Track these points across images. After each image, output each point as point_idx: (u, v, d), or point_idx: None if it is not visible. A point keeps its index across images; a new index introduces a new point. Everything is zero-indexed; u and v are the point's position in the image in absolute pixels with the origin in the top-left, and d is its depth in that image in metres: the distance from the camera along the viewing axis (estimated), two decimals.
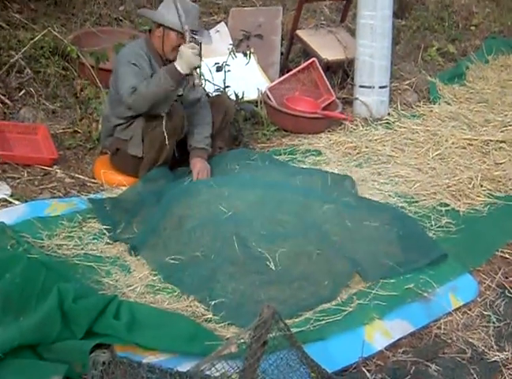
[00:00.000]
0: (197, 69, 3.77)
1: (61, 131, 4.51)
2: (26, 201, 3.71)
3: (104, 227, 3.53)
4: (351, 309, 3.08)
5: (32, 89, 4.78)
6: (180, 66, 3.64)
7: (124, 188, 3.89)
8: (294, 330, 2.73)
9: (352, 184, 4.08)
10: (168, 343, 2.72)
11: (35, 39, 4.97)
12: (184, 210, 3.54)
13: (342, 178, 4.12)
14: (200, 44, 4.45)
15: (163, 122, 3.75)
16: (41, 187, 3.92)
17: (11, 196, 3.75)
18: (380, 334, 2.99)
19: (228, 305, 3.03)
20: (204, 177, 3.88)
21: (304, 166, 4.36)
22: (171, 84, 3.64)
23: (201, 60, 3.78)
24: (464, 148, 4.78)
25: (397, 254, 3.50)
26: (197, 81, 3.71)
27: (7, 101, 4.59)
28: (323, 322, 2.98)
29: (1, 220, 3.38)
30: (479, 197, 4.19)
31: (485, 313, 3.27)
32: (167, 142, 3.78)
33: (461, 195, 4.18)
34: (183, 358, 2.70)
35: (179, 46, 3.77)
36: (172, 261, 3.28)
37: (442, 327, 3.15)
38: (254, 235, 3.38)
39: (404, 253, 3.52)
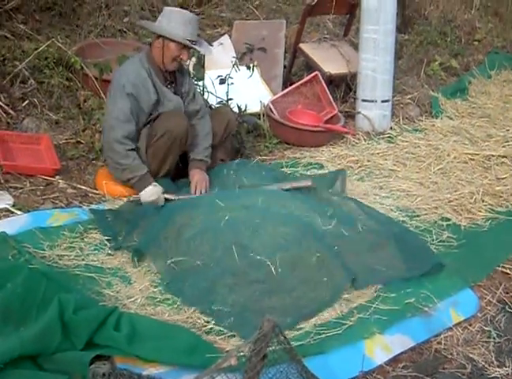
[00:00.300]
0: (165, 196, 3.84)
1: (64, 141, 4.52)
2: (28, 211, 3.71)
3: (105, 237, 3.53)
4: (351, 323, 3.08)
5: (35, 100, 4.80)
6: (141, 194, 3.80)
7: (125, 199, 3.90)
8: (294, 343, 2.73)
9: (343, 179, 4.14)
10: (168, 355, 2.72)
11: (39, 50, 5.00)
12: (184, 219, 3.55)
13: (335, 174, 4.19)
14: (203, 56, 4.51)
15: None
16: (43, 197, 3.92)
17: (13, 206, 3.76)
18: (380, 348, 2.98)
19: (229, 315, 3.03)
20: (202, 188, 3.90)
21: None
22: (127, 183, 3.85)
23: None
24: (466, 162, 4.78)
25: (397, 263, 3.52)
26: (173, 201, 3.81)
27: (10, 111, 4.61)
28: (323, 336, 2.98)
29: (3, 230, 3.38)
30: (480, 211, 4.19)
31: (486, 328, 3.27)
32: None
33: (462, 210, 4.18)
34: (183, 371, 2.70)
35: (179, 56, 3.80)
36: (173, 270, 3.28)
37: (443, 342, 3.14)
38: (254, 245, 3.37)
39: (404, 263, 3.53)
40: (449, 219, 4.06)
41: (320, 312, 3.12)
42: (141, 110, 3.84)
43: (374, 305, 3.20)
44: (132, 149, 3.82)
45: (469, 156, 4.84)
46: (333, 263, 3.35)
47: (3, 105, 4.57)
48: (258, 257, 3.29)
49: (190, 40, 3.78)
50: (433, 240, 3.83)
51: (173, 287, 3.21)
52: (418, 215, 4.09)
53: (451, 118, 5.55)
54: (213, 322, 3.00)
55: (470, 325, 3.28)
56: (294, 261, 3.30)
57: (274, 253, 3.31)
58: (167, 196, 3.79)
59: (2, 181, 3.99)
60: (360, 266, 3.41)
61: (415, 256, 3.58)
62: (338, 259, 3.38)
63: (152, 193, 3.77)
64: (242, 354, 2.37)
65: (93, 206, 3.84)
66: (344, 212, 3.81)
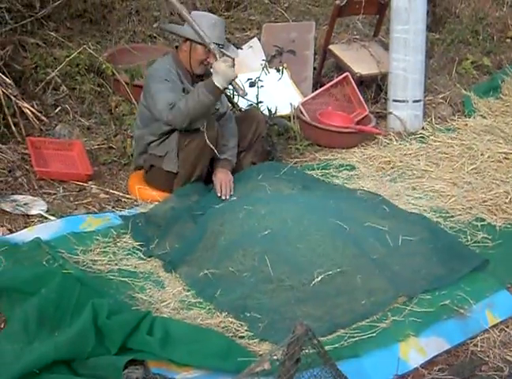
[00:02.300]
0: (237, 80, 3.77)
1: (96, 147, 4.56)
2: (61, 217, 3.74)
3: (137, 243, 3.54)
4: (385, 326, 3.05)
5: (67, 106, 4.85)
6: (217, 81, 3.65)
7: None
8: (327, 347, 2.71)
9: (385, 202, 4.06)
10: (202, 359, 2.72)
11: (70, 57, 5.04)
12: (219, 227, 3.55)
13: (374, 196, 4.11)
14: (233, 59, 4.50)
15: (205, 134, 3.76)
16: (76, 203, 3.96)
17: (47, 211, 3.80)
18: (415, 351, 2.94)
19: (263, 321, 3.02)
20: (226, 187, 3.89)
21: (337, 181, 4.34)
22: (211, 99, 3.66)
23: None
24: (500, 161, 4.71)
25: (437, 267, 3.48)
26: (241, 92, 3.75)
27: (43, 118, 4.66)
28: (357, 339, 2.95)
29: (37, 236, 3.42)
30: None
31: None
32: (214, 148, 3.79)
33: (497, 209, 4.12)
34: (216, 375, 2.70)
35: (206, 60, 3.80)
36: (205, 277, 3.29)
37: (479, 344, 3.09)
38: (290, 253, 3.36)
39: (445, 265, 3.50)
40: (483, 220, 4.01)
41: (354, 323, 3.08)
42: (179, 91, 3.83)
43: (408, 308, 3.17)
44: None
45: (504, 155, 4.77)
46: (377, 278, 3.30)
47: (36, 112, 4.62)
48: (296, 267, 3.28)
49: (218, 44, 3.78)
50: (468, 241, 3.78)
51: (205, 294, 3.21)
52: (452, 216, 4.04)
53: (484, 117, 5.48)
54: (246, 327, 2.99)
55: (507, 327, 3.22)
56: (331, 272, 3.27)
57: (313, 264, 3.29)
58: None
59: (36, 187, 4.03)
60: (407, 278, 3.37)
61: (459, 256, 3.56)
62: (382, 272, 3.34)
63: (219, 65, 3.64)
64: (275, 358, 2.35)
65: (125, 211, 3.86)
66: (379, 218, 3.79)
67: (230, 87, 3.81)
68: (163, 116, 3.77)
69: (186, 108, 3.69)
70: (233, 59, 3.85)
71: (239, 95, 3.77)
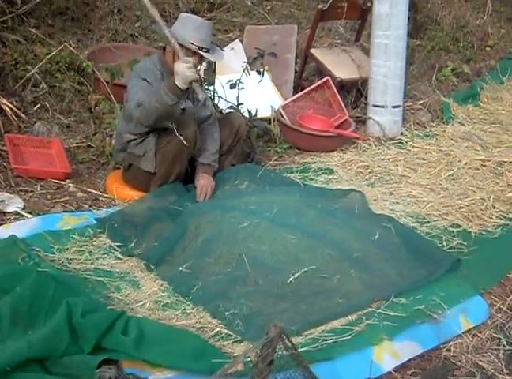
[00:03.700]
0: (199, 83, 3.76)
1: (74, 145, 4.54)
2: (38, 215, 3.73)
3: (116, 244, 3.54)
4: (360, 329, 3.06)
5: (47, 103, 4.83)
6: (177, 81, 3.65)
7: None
8: (301, 349, 2.74)
9: (362, 196, 4.11)
10: (176, 359, 2.72)
11: (51, 54, 5.02)
12: (196, 227, 3.56)
13: (348, 192, 4.16)
14: (215, 62, 4.51)
15: (180, 136, 3.77)
16: (53, 201, 3.94)
17: (23, 209, 3.78)
18: (389, 355, 2.96)
19: (237, 317, 3.03)
20: (207, 193, 3.92)
21: (316, 185, 4.36)
22: (172, 99, 3.66)
23: (199, 74, 3.76)
24: (478, 168, 4.76)
25: (411, 269, 3.51)
26: (200, 96, 3.73)
27: (22, 115, 4.63)
28: (331, 342, 2.96)
29: (13, 233, 3.40)
30: (491, 218, 4.16)
31: (495, 335, 3.24)
32: (185, 142, 3.79)
33: (473, 216, 4.15)
34: (190, 375, 2.70)
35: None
36: (183, 274, 3.31)
37: (452, 349, 3.12)
38: (267, 254, 3.39)
39: (418, 267, 3.53)
40: (459, 226, 4.04)
41: (328, 321, 3.10)
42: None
43: (383, 312, 3.18)
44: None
45: (481, 162, 4.81)
46: (352, 281, 3.33)
47: (15, 109, 4.59)
48: (272, 266, 3.31)
49: (199, 46, 3.78)
50: (443, 246, 3.81)
51: (182, 290, 3.22)
52: (428, 222, 4.07)
53: (462, 124, 5.53)
54: (221, 325, 2.99)
55: (480, 332, 3.25)
56: (309, 272, 3.30)
57: (289, 264, 3.32)
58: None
59: (13, 184, 4.01)
60: (382, 280, 3.39)
61: (431, 258, 3.60)
62: (357, 275, 3.36)
63: (180, 65, 3.64)
64: (248, 359, 2.37)
65: (103, 211, 3.85)
66: (361, 223, 3.82)
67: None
68: (132, 114, 3.79)
69: (150, 107, 3.70)
70: (201, 60, 3.88)
71: (198, 99, 3.77)
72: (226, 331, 2.98)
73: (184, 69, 3.63)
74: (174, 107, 3.71)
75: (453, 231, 3.98)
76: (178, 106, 3.74)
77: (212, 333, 2.97)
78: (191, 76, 3.64)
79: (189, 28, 3.79)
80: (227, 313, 3.06)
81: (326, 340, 2.97)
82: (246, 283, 3.25)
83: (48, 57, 5.01)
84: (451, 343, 3.15)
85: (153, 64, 3.91)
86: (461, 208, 4.23)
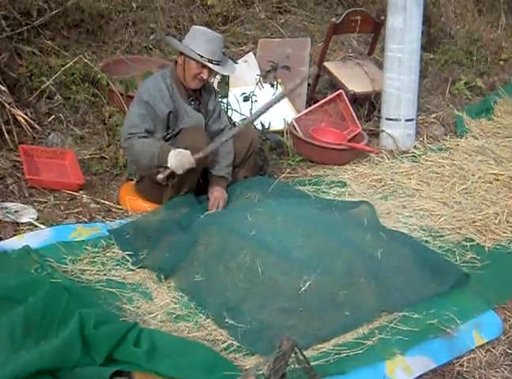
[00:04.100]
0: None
1: (88, 157, 4.56)
2: (51, 225, 3.74)
3: (127, 253, 3.55)
4: (372, 343, 3.05)
5: (61, 115, 4.86)
6: (170, 163, 3.72)
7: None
8: (313, 363, 2.72)
9: (371, 208, 4.09)
10: (187, 371, 2.71)
11: (66, 66, 5.06)
12: (208, 238, 3.56)
13: (358, 203, 4.15)
14: (228, 76, 4.53)
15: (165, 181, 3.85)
16: (67, 212, 3.95)
17: (37, 220, 3.79)
18: (401, 369, 2.94)
19: (245, 329, 3.03)
20: (220, 206, 3.92)
21: (328, 198, 4.35)
22: (156, 165, 3.77)
23: (191, 162, 3.77)
24: (491, 182, 4.73)
25: (419, 283, 3.50)
26: (159, 176, 3.78)
27: (36, 126, 4.66)
28: (343, 355, 2.95)
29: (27, 244, 3.41)
30: (505, 232, 4.14)
31: (509, 351, 3.21)
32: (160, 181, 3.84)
33: (486, 230, 4.13)
34: None
35: (199, 74, 3.82)
36: (196, 284, 3.32)
37: (465, 364, 3.09)
38: (276, 266, 3.38)
39: (427, 280, 3.52)
40: (473, 240, 4.02)
41: (339, 335, 3.09)
42: (157, 118, 3.87)
43: (395, 326, 3.17)
44: (141, 136, 3.80)
45: (494, 176, 4.79)
46: (361, 292, 3.32)
47: (29, 120, 4.62)
48: (284, 279, 3.31)
49: (210, 59, 3.79)
50: (456, 261, 3.79)
51: (195, 300, 3.24)
52: (441, 236, 4.05)
53: (476, 138, 5.52)
54: (232, 338, 2.99)
55: (493, 348, 3.22)
56: (319, 284, 3.29)
57: (299, 276, 3.31)
58: (196, 156, 3.73)
59: (27, 195, 4.03)
60: (390, 292, 3.38)
61: (440, 271, 3.58)
62: (366, 286, 3.35)
63: (175, 154, 3.71)
64: (260, 372, 2.35)
65: (116, 222, 3.86)
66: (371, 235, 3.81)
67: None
68: (121, 140, 3.89)
69: (138, 150, 3.78)
70: (211, 73, 3.89)
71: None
72: (237, 343, 2.98)
73: (181, 163, 3.71)
74: (154, 169, 3.81)
75: (466, 245, 3.96)
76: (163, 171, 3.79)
77: (224, 346, 2.96)
78: (187, 167, 3.73)
79: (199, 40, 3.81)
80: (237, 326, 3.05)
81: (339, 354, 2.95)
82: (256, 296, 3.24)
83: (63, 69, 5.04)
84: (464, 358, 3.13)
85: (163, 79, 3.91)
86: (474, 222, 4.21)
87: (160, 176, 3.78)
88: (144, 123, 3.83)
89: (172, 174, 3.79)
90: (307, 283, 3.26)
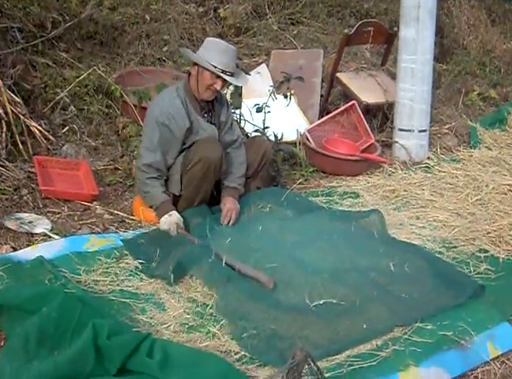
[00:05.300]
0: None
1: (102, 168, 4.58)
2: (65, 236, 3.76)
3: (139, 261, 3.56)
4: (386, 355, 3.03)
5: (75, 126, 4.89)
6: (161, 223, 3.83)
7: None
8: (327, 374, 2.71)
9: (381, 218, 4.07)
10: None
11: (80, 78, 5.10)
12: (221, 248, 3.58)
13: (368, 213, 4.14)
14: (241, 87, 4.55)
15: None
16: (80, 222, 3.97)
17: (51, 230, 3.81)
18: None
19: (260, 341, 3.02)
20: (232, 217, 3.93)
21: (341, 208, 4.35)
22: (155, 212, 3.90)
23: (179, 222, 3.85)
24: (505, 193, 4.71)
25: (434, 295, 3.47)
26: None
27: (51, 137, 4.69)
28: (357, 367, 2.93)
29: (41, 254, 3.43)
30: None
31: None
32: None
33: (500, 241, 4.11)
34: None
35: (213, 85, 3.84)
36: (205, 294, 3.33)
37: (479, 376, 3.07)
38: (289, 277, 3.39)
39: (442, 292, 3.49)
40: (487, 251, 4.00)
41: (352, 347, 3.07)
42: (173, 138, 3.88)
43: (409, 337, 3.15)
44: (153, 177, 3.88)
45: (508, 187, 4.77)
46: (376, 306, 3.30)
47: (43, 131, 4.66)
48: (298, 292, 3.31)
49: (224, 70, 3.81)
50: (470, 272, 3.77)
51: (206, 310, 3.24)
52: (455, 247, 4.03)
53: (490, 149, 5.50)
54: (245, 352, 2.97)
55: (508, 360, 3.19)
56: (333, 297, 3.29)
57: (314, 289, 3.32)
58: (180, 231, 3.80)
59: (41, 205, 4.05)
60: (405, 304, 3.36)
61: (455, 283, 3.56)
62: (381, 300, 3.34)
63: (164, 221, 3.82)
64: None
65: (129, 233, 3.87)
66: (384, 247, 3.80)
67: None
68: (137, 163, 3.96)
69: (142, 190, 3.94)
70: (224, 84, 3.93)
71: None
72: (249, 357, 2.96)
73: (165, 228, 3.80)
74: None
75: (480, 257, 3.93)
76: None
77: (237, 357, 2.96)
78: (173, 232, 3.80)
79: (213, 52, 3.83)
80: (248, 336, 3.04)
81: (352, 365, 2.94)
82: (269, 307, 3.23)
83: (77, 80, 5.09)
84: (479, 370, 3.10)
85: (177, 93, 3.92)
86: (488, 233, 4.18)
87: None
88: (154, 154, 3.86)
89: None
90: (322, 301, 3.25)
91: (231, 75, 3.86)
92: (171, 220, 3.81)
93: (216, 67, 3.80)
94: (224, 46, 3.89)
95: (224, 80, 3.87)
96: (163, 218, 3.82)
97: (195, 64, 3.89)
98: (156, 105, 3.95)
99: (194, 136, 3.94)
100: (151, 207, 3.93)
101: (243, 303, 3.23)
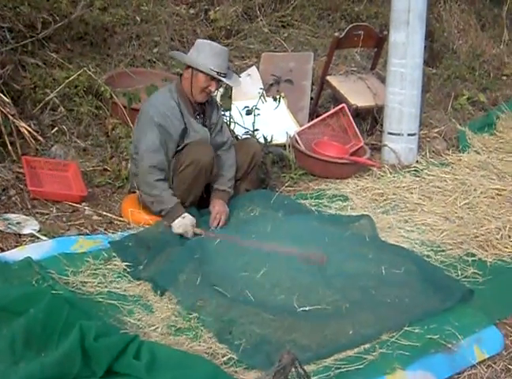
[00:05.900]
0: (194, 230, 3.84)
1: (91, 169, 4.57)
2: (53, 237, 3.75)
3: (125, 263, 3.54)
4: (373, 358, 3.03)
5: (64, 127, 4.88)
6: (175, 227, 3.78)
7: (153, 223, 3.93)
8: (315, 377, 2.72)
9: (371, 223, 4.08)
10: None
11: (70, 79, 5.09)
12: (207, 252, 3.59)
13: (359, 218, 4.14)
14: (231, 87, 4.55)
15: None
16: (69, 223, 3.96)
17: (39, 231, 3.80)
18: None
19: (244, 343, 3.02)
20: (221, 220, 3.92)
21: (330, 212, 4.36)
22: (163, 218, 3.84)
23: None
24: (493, 197, 4.73)
25: (422, 299, 3.48)
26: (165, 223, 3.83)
27: (40, 138, 4.67)
28: (344, 370, 2.94)
29: (28, 255, 3.42)
30: (506, 247, 4.13)
31: (510, 367, 3.19)
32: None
33: (488, 245, 4.12)
34: None
35: (207, 87, 3.84)
36: (190, 297, 3.31)
37: None
38: (277, 281, 3.40)
39: (430, 296, 3.50)
40: (474, 255, 4.01)
41: (339, 351, 3.07)
42: (170, 138, 3.88)
43: (396, 341, 3.16)
44: (160, 179, 3.84)
45: (496, 191, 4.79)
46: (364, 311, 3.30)
47: (32, 131, 4.64)
48: (283, 297, 3.31)
49: (217, 72, 3.81)
50: (458, 276, 3.78)
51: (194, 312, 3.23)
52: (443, 250, 4.04)
53: (478, 153, 5.52)
54: (231, 354, 2.97)
55: (494, 363, 3.21)
56: (320, 301, 3.30)
57: (301, 293, 3.32)
58: (195, 230, 3.79)
59: (29, 206, 4.04)
60: (393, 309, 3.37)
61: (443, 287, 3.57)
62: (369, 305, 3.35)
63: (179, 224, 3.77)
64: None
65: (118, 234, 3.86)
66: (372, 251, 3.81)
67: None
68: (140, 167, 3.88)
69: (149, 194, 3.85)
70: (217, 86, 3.91)
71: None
72: (236, 359, 2.96)
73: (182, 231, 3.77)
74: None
75: (468, 260, 3.95)
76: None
77: (224, 359, 2.95)
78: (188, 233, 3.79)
79: (207, 54, 3.83)
80: (236, 340, 3.03)
81: (339, 368, 2.94)
82: (255, 310, 3.23)
83: (67, 81, 5.07)
84: (465, 373, 3.11)
85: (171, 95, 3.92)
86: (476, 237, 4.20)
87: (165, 223, 3.83)
88: (158, 154, 3.83)
89: None
90: (309, 307, 3.25)
91: (225, 76, 3.87)
92: (186, 223, 3.77)
93: (212, 70, 3.80)
94: (217, 49, 3.90)
95: (218, 82, 3.87)
96: (176, 221, 3.77)
97: (188, 66, 3.89)
98: (150, 106, 3.93)
99: (187, 139, 3.94)
100: (159, 212, 3.85)
101: (231, 306, 3.23)
